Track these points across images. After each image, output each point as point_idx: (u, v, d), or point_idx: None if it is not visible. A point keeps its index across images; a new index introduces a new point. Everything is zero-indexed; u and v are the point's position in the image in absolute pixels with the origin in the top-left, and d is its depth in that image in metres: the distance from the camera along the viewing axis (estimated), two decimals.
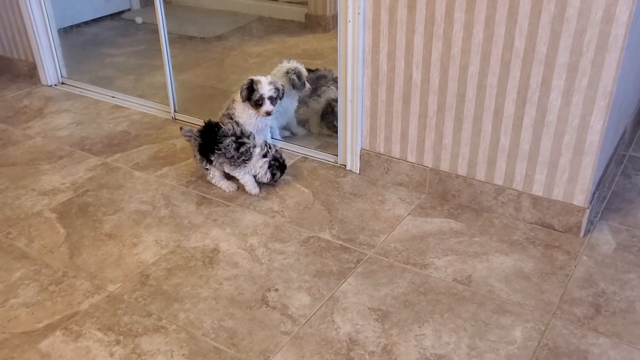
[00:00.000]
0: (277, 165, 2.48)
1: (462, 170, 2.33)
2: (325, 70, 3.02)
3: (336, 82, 2.90)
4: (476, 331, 1.80)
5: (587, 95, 1.97)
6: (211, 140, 2.45)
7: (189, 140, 2.56)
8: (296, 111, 2.89)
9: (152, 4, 2.98)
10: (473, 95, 2.18)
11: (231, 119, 2.65)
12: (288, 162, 2.63)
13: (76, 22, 4.55)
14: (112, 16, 4.80)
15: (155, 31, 3.05)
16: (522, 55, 2.02)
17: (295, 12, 4.62)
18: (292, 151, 2.76)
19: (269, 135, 2.76)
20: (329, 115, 2.84)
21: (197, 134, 2.49)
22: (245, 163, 2.44)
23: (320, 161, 2.72)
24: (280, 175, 2.51)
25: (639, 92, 2.80)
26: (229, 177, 2.55)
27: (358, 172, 2.61)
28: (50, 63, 3.58)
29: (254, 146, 2.45)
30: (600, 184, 2.26)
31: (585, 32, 1.90)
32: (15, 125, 3.14)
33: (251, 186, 2.48)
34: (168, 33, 3.02)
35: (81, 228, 2.31)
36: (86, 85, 3.55)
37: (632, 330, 1.78)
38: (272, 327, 1.83)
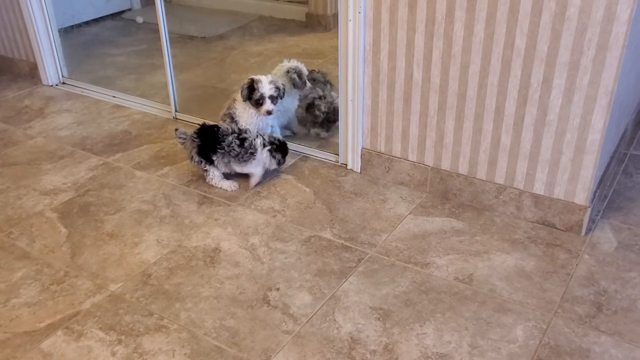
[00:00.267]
0: (276, 148, 2.51)
1: (463, 169, 2.33)
2: (318, 72, 3.00)
3: (326, 84, 2.90)
4: (477, 330, 1.80)
5: (588, 93, 1.97)
6: (211, 141, 2.46)
7: (183, 143, 2.55)
8: (297, 110, 2.89)
9: (153, 3, 2.97)
10: (474, 94, 2.18)
11: (232, 118, 2.66)
12: (289, 163, 2.64)
13: (77, 22, 4.55)
14: (113, 16, 4.80)
15: (156, 31, 3.05)
16: (523, 54, 2.02)
17: (295, 12, 4.62)
18: (293, 150, 2.76)
19: None
20: (313, 111, 2.83)
21: (194, 136, 2.49)
22: (254, 156, 2.47)
23: (321, 160, 2.72)
24: (283, 157, 2.55)
25: None
26: (228, 176, 2.55)
27: (359, 171, 2.61)
28: (51, 63, 3.58)
29: (254, 138, 2.49)
30: (602, 182, 2.26)
31: (586, 31, 1.89)
32: (17, 125, 3.14)
33: (260, 175, 2.55)
34: (169, 32, 3.02)
35: (82, 228, 2.31)
36: (87, 85, 3.55)
37: (634, 329, 1.78)
38: (273, 327, 1.83)
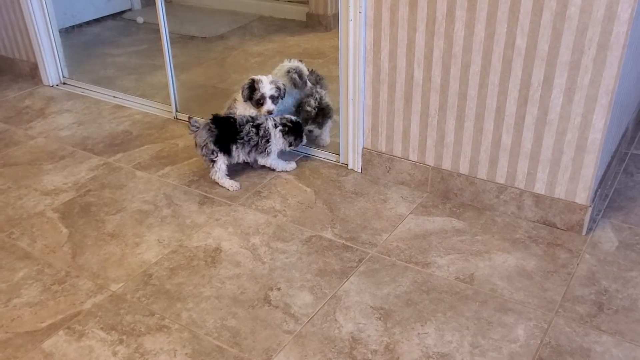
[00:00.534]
0: (288, 130, 2.54)
1: (464, 168, 2.33)
2: (311, 71, 2.97)
3: (316, 84, 2.87)
4: (479, 330, 1.80)
5: (589, 93, 1.97)
6: (228, 131, 2.48)
7: (195, 132, 2.52)
8: (291, 113, 2.87)
9: (153, 3, 2.98)
10: (475, 93, 2.18)
11: None
12: (292, 163, 2.64)
13: (77, 22, 4.55)
14: (114, 16, 4.80)
15: (157, 31, 3.05)
16: (524, 54, 2.02)
17: (296, 11, 4.62)
18: (294, 150, 2.76)
19: None
20: (303, 108, 2.82)
21: (211, 125, 2.48)
22: (269, 143, 2.51)
23: (322, 160, 2.72)
24: (296, 138, 2.58)
25: None
26: (232, 176, 2.56)
27: (360, 171, 2.61)
28: (51, 63, 3.58)
29: (266, 121, 2.53)
30: (603, 182, 2.26)
31: (586, 30, 1.89)
32: (17, 126, 3.14)
33: (286, 166, 2.62)
34: (169, 33, 3.02)
35: (83, 228, 2.31)
36: (88, 85, 3.55)
37: (635, 328, 1.78)
38: (274, 326, 1.83)
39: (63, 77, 3.64)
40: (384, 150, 2.51)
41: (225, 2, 4.91)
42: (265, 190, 2.51)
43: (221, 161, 2.50)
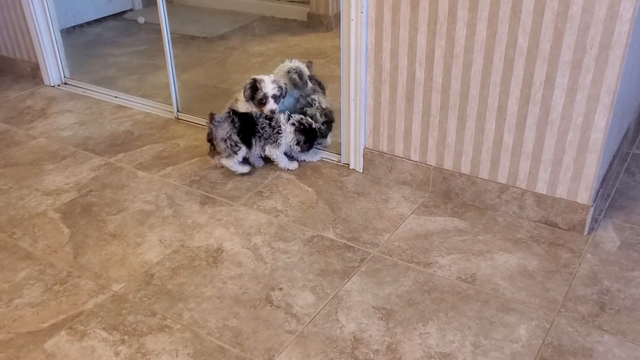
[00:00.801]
0: (301, 130, 2.57)
1: (465, 168, 2.33)
2: (313, 78, 2.95)
3: (316, 91, 2.85)
4: (481, 329, 1.80)
5: (590, 92, 1.97)
6: (249, 124, 2.55)
7: (216, 126, 2.53)
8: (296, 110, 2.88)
9: (155, 3, 2.98)
10: (476, 93, 2.18)
11: None
12: (295, 163, 2.64)
13: (79, 23, 4.55)
14: (115, 16, 4.80)
15: (158, 31, 3.05)
16: (526, 53, 2.02)
17: (297, 11, 4.62)
18: (298, 157, 2.76)
19: None
20: None
21: (234, 118, 2.53)
22: (280, 135, 2.56)
23: (323, 160, 2.72)
24: (306, 141, 2.60)
25: None
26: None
27: (361, 171, 2.61)
28: (53, 63, 3.58)
29: (279, 115, 2.57)
30: (604, 181, 2.26)
31: (588, 30, 1.89)
32: (19, 126, 3.14)
33: (288, 164, 2.63)
34: (170, 33, 3.02)
35: (85, 228, 2.31)
36: (89, 85, 3.55)
37: (637, 328, 1.78)
38: (276, 326, 1.83)
39: (64, 77, 3.64)
40: (385, 150, 2.51)
41: (227, 2, 4.91)
42: (267, 190, 2.51)
43: (241, 153, 2.56)
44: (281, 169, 2.64)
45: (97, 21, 4.69)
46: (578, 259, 2.07)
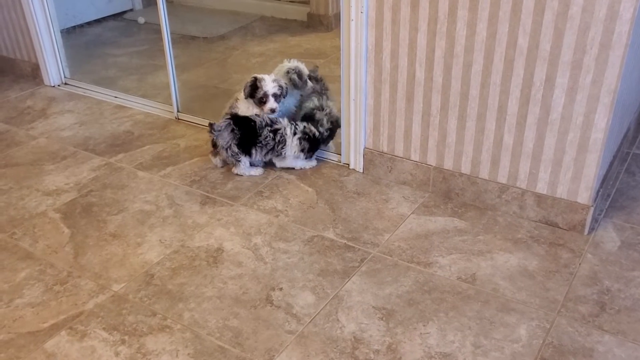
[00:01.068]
0: (306, 139, 2.56)
1: (465, 168, 2.33)
2: (314, 73, 2.93)
3: (322, 94, 2.85)
4: (481, 329, 1.80)
5: (591, 92, 1.97)
6: (249, 134, 2.52)
7: (217, 135, 2.53)
8: (297, 109, 2.88)
9: (155, 4, 2.98)
10: (476, 93, 2.18)
11: None
12: (313, 160, 2.66)
13: (79, 23, 4.56)
14: (115, 16, 4.80)
15: (158, 31, 3.05)
16: (526, 53, 2.02)
17: (297, 12, 4.62)
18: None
19: None
20: (314, 125, 2.81)
21: (234, 127, 2.52)
22: (284, 148, 2.55)
23: (323, 160, 2.72)
24: (309, 149, 2.60)
25: None
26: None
27: (361, 171, 2.61)
28: (53, 63, 3.58)
29: (284, 127, 2.55)
30: (605, 181, 2.26)
31: (589, 30, 1.89)
32: (19, 126, 3.14)
33: (306, 164, 2.64)
34: (170, 33, 3.02)
35: (85, 228, 2.31)
36: (89, 85, 3.55)
37: (637, 328, 1.78)
38: (276, 326, 1.83)
39: (64, 77, 3.64)
40: (385, 150, 2.51)
41: (227, 2, 4.91)
42: (267, 190, 2.51)
43: (245, 160, 2.56)
44: (281, 169, 2.64)
45: (97, 21, 4.69)
46: (578, 259, 2.07)
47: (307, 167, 2.65)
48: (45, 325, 1.87)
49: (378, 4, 2.24)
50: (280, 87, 2.57)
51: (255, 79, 2.55)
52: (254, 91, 2.56)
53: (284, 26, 4.57)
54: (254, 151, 2.55)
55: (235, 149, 2.52)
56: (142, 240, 2.23)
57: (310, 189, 2.51)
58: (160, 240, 2.23)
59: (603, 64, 1.91)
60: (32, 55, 3.60)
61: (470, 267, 2.04)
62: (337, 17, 2.44)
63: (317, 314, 1.87)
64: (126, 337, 1.81)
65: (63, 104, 3.39)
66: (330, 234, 2.23)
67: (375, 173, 2.57)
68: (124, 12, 4.87)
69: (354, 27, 2.33)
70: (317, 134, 2.60)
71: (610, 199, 2.37)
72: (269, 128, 2.54)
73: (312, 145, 2.60)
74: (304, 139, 2.56)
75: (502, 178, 2.27)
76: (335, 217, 2.32)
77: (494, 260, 2.07)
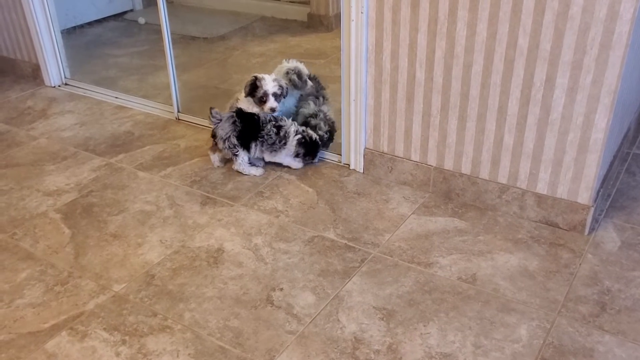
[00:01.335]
0: (303, 143, 2.57)
1: (466, 168, 2.33)
2: (313, 77, 2.91)
3: (319, 97, 2.84)
4: (481, 330, 1.80)
5: (591, 93, 1.97)
6: (251, 127, 2.53)
7: (217, 124, 2.55)
8: (299, 115, 2.87)
9: (155, 4, 2.98)
10: (477, 93, 2.18)
11: None
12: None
13: (79, 23, 4.56)
14: (115, 17, 4.81)
15: (158, 31, 3.05)
16: (526, 54, 2.02)
17: (297, 12, 4.62)
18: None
19: None
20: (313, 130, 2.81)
21: (236, 119, 2.52)
22: (285, 145, 2.55)
23: (324, 161, 2.72)
24: (305, 154, 2.61)
25: None
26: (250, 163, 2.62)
27: (362, 171, 2.61)
28: (53, 64, 3.58)
29: (289, 126, 2.57)
30: (605, 181, 2.26)
31: (589, 30, 1.89)
32: (19, 126, 3.14)
33: (294, 164, 2.63)
34: (171, 33, 3.02)
35: (86, 228, 2.31)
36: (89, 86, 3.55)
37: (638, 329, 1.78)
38: (277, 327, 1.83)
39: (65, 77, 3.64)
40: (386, 150, 2.51)
41: (227, 2, 4.91)
42: (268, 190, 2.52)
43: (242, 154, 2.56)
44: (282, 169, 2.64)
45: (98, 22, 4.69)
46: (579, 259, 2.07)
47: (294, 167, 2.63)
48: (46, 325, 1.87)
49: (378, 4, 2.24)
50: (281, 86, 2.58)
51: (256, 78, 2.56)
52: (254, 90, 2.56)
53: (284, 26, 4.57)
54: (253, 145, 2.55)
55: (234, 141, 2.53)
56: (142, 240, 2.24)
57: (310, 190, 2.51)
58: (160, 240, 2.23)
59: (603, 64, 1.91)
60: (33, 55, 3.60)
61: (470, 267, 2.04)
62: (338, 17, 2.44)
63: (317, 314, 1.87)
64: (127, 338, 1.81)
65: (63, 104, 3.39)
66: (330, 234, 2.23)
67: (376, 173, 2.57)
68: (125, 13, 4.87)
69: (354, 27, 2.33)
70: (315, 137, 2.59)
71: (610, 199, 2.37)
72: (273, 123, 2.55)
73: (309, 150, 2.60)
74: (302, 142, 2.57)
75: (503, 178, 2.27)
76: (336, 218, 2.32)
77: (495, 260, 2.07)
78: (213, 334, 1.81)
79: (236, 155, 2.56)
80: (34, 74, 3.66)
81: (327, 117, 2.72)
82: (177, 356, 1.75)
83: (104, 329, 1.85)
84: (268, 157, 2.62)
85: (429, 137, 2.36)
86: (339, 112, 2.65)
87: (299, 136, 2.56)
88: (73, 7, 4.45)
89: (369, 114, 2.48)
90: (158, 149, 2.87)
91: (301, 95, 2.82)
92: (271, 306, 1.91)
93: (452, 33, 2.13)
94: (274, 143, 2.56)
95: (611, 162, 2.33)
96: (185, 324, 1.85)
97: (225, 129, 2.53)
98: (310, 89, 2.81)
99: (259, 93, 2.55)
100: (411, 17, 2.19)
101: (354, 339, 1.78)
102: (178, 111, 3.16)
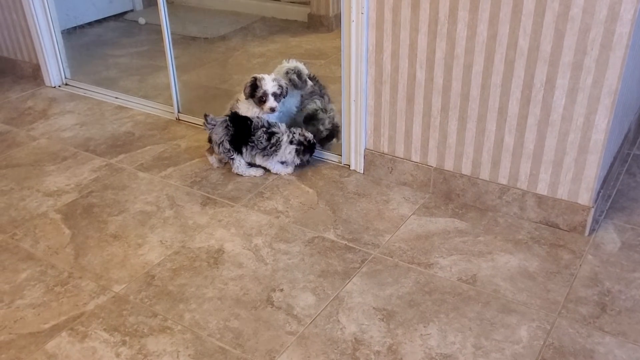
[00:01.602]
0: (304, 149, 2.57)
1: (466, 169, 2.33)
2: (314, 78, 2.92)
3: (323, 96, 2.84)
4: (482, 330, 1.80)
5: (591, 93, 1.97)
6: (243, 132, 2.53)
7: (211, 128, 2.56)
8: (299, 110, 2.88)
9: (155, 4, 2.98)
10: (477, 94, 2.18)
11: None
12: (289, 168, 2.64)
13: (79, 23, 4.56)
14: (115, 17, 4.81)
15: (159, 32, 3.05)
16: (527, 54, 2.02)
17: (297, 12, 4.62)
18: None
19: None
20: (315, 124, 2.81)
21: (229, 124, 2.53)
22: (276, 152, 2.54)
23: (324, 161, 2.72)
24: (310, 156, 2.62)
25: None
26: (249, 164, 2.62)
27: (362, 171, 2.61)
28: (54, 64, 3.58)
29: (282, 134, 2.54)
30: (605, 182, 2.26)
31: (589, 31, 1.89)
32: (20, 127, 3.14)
33: (282, 170, 2.62)
34: (171, 33, 3.02)
35: (86, 229, 2.31)
36: (90, 86, 3.55)
37: (638, 330, 1.78)
38: (277, 327, 1.83)
39: (65, 78, 3.64)
40: (386, 151, 2.51)
41: (227, 3, 4.91)
42: (268, 191, 2.52)
43: (239, 158, 2.57)
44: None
45: (98, 22, 4.69)
46: (579, 260, 2.07)
47: (283, 173, 2.61)
48: (46, 326, 1.87)
49: (379, 5, 2.24)
50: (281, 86, 2.57)
51: (255, 78, 2.56)
52: (254, 91, 2.56)
53: (285, 27, 4.57)
54: (244, 150, 2.55)
55: (227, 146, 2.53)
56: (142, 241, 2.24)
57: (310, 190, 2.51)
58: (161, 241, 2.23)
59: (604, 65, 1.91)
60: (33, 56, 3.60)
61: (470, 268, 2.04)
62: (338, 17, 2.44)
63: (317, 315, 1.87)
64: (127, 338, 1.81)
65: (64, 104, 3.39)
66: (330, 235, 2.23)
67: (376, 174, 2.57)
68: (125, 13, 4.87)
69: (355, 28, 2.33)
70: (310, 138, 2.58)
71: (610, 200, 2.37)
72: (265, 129, 2.54)
73: (310, 151, 2.60)
74: (301, 150, 2.56)
75: (503, 179, 2.27)
76: (336, 218, 2.32)
77: (495, 261, 2.07)
78: (213, 335, 1.81)
79: (232, 159, 2.57)
80: (35, 74, 3.66)
81: (334, 117, 2.72)
82: (177, 357, 1.75)
83: (104, 329, 1.85)
84: (260, 162, 2.60)
85: (430, 137, 2.36)
86: (339, 112, 2.65)
87: (295, 146, 2.54)
88: (73, 8, 4.45)
89: (369, 114, 2.48)
90: (158, 149, 2.87)
91: (302, 95, 2.82)
92: (271, 307, 1.91)
93: (452, 34, 2.13)
94: (264, 148, 2.54)
95: (611, 163, 2.33)
96: (185, 324, 1.85)
97: (219, 134, 2.54)
98: (311, 88, 2.81)
99: (259, 93, 2.55)
100: (411, 18, 2.19)
101: (354, 340, 1.78)
102: (178, 111, 3.16)
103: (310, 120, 2.77)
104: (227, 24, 4.61)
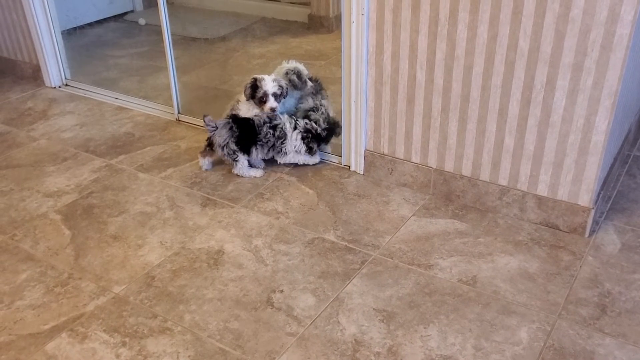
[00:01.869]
0: (312, 137, 2.57)
1: (466, 170, 2.33)
2: (312, 79, 2.92)
3: (317, 94, 2.83)
4: (482, 332, 1.80)
5: (592, 95, 1.97)
6: (248, 132, 2.52)
7: (213, 130, 2.55)
8: (299, 110, 2.87)
9: (155, 5, 2.98)
10: (477, 95, 2.18)
11: None
12: (317, 157, 2.67)
13: (79, 24, 4.56)
14: (116, 18, 4.81)
15: (159, 32, 3.05)
16: (527, 56, 2.02)
17: (298, 13, 4.62)
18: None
19: None
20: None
21: (233, 125, 2.52)
22: (284, 143, 2.55)
23: (324, 162, 2.72)
24: (319, 146, 2.62)
25: None
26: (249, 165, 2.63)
27: (362, 172, 2.61)
28: (54, 65, 3.58)
29: (284, 122, 2.55)
30: (605, 184, 2.26)
31: (590, 32, 1.89)
32: (20, 127, 3.14)
33: (309, 160, 2.64)
34: (171, 34, 3.02)
35: (86, 230, 2.31)
36: (90, 86, 3.55)
37: (638, 331, 1.78)
38: (277, 329, 1.83)
39: (65, 78, 3.64)
40: (386, 152, 2.51)
41: (227, 3, 4.91)
42: (268, 192, 2.51)
43: (242, 159, 2.56)
44: (282, 171, 2.64)
45: (98, 22, 4.69)
46: (579, 261, 2.07)
47: (311, 162, 2.64)
48: (46, 327, 1.87)
49: (379, 6, 2.24)
50: (281, 86, 2.58)
51: (255, 79, 2.56)
52: (254, 91, 2.56)
53: (285, 28, 4.57)
54: (254, 150, 2.55)
55: (233, 147, 2.52)
56: (142, 242, 2.23)
57: (310, 191, 2.51)
58: (161, 242, 2.23)
59: (604, 66, 1.91)
60: (33, 56, 3.60)
61: (471, 269, 2.04)
62: (338, 18, 2.44)
63: (317, 316, 1.87)
64: (127, 339, 1.81)
65: (64, 105, 3.39)
66: (330, 236, 2.23)
67: (376, 175, 2.57)
68: (125, 14, 4.87)
69: (355, 29, 2.33)
70: (319, 129, 2.59)
71: (611, 202, 2.37)
72: (269, 124, 2.54)
73: (319, 140, 2.61)
74: (309, 137, 2.57)
75: (503, 180, 2.27)
76: (336, 219, 2.32)
77: (495, 262, 2.07)
78: (213, 336, 1.81)
79: (236, 160, 2.56)
80: (35, 75, 3.66)
81: (328, 114, 2.71)
82: (177, 358, 1.74)
83: (104, 330, 1.85)
84: (281, 160, 2.62)
85: (430, 138, 2.36)
86: (339, 113, 2.65)
87: (301, 130, 2.55)
88: (73, 8, 4.45)
89: (369, 115, 2.47)
90: (158, 150, 2.87)
91: (301, 96, 2.82)
92: (271, 308, 1.91)
93: (452, 35, 2.13)
94: (274, 145, 2.55)
95: (612, 165, 2.33)
96: (185, 325, 1.85)
97: (222, 136, 2.53)
98: (310, 89, 2.81)
99: (259, 93, 2.55)
100: (412, 19, 2.19)
101: (354, 341, 1.78)
102: (178, 112, 3.16)
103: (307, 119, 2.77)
104: (227, 25, 4.61)
